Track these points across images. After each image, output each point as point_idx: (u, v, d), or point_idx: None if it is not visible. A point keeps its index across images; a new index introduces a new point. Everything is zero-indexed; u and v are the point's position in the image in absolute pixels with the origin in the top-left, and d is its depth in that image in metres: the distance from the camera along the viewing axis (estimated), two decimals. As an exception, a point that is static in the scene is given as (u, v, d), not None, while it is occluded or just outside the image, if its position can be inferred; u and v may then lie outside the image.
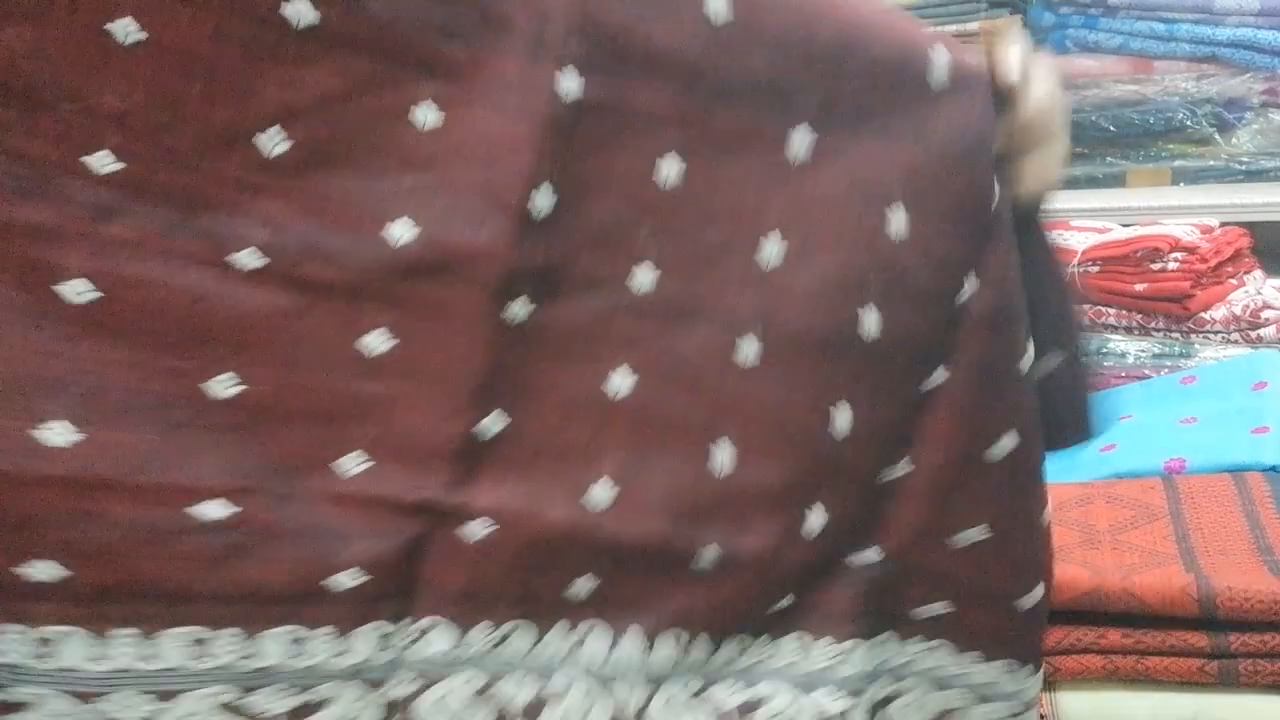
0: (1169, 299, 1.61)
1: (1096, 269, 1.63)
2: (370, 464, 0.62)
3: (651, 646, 0.69)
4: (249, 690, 0.60)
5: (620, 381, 0.66)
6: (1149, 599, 1.00)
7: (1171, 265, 1.60)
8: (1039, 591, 0.75)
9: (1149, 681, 1.01)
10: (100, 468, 0.57)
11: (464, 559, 0.64)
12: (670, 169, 0.64)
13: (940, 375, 0.71)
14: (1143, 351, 1.64)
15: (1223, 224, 1.69)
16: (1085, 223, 1.73)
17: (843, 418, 0.69)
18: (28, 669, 0.57)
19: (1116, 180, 1.90)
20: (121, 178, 0.56)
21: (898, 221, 0.67)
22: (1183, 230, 1.63)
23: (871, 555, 0.73)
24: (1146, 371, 1.61)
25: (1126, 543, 1.14)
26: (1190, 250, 1.61)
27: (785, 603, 0.72)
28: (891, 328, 0.68)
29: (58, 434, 0.56)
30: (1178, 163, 1.79)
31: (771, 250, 0.66)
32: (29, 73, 0.53)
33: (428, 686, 0.65)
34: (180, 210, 0.57)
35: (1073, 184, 1.87)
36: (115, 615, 0.58)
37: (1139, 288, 1.62)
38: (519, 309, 0.63)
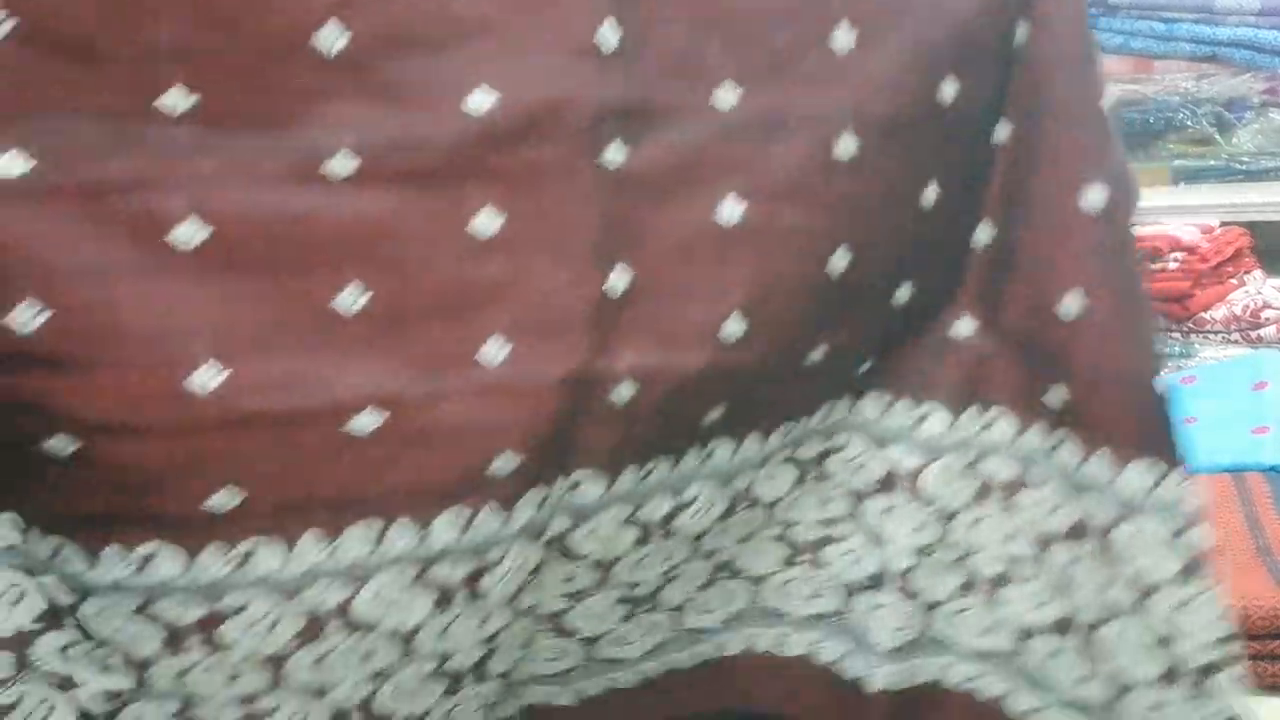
0: (1169, 299, 1.60)
1: (1096, 269, 1.63)
2: (510, 346, 0.61)
3: (767, 440, 0.72)
4: (429, 564, 0.62)
5: (731, 209, 0.64)
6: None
7: (1171, 265, 1.60)
8: (1162, 378, 0.70)
9: (1148, 682, 1.00)
10: (249, 403, 0.57)
11: (612, 421, 0.65)
12: None
13: (1005, 128, 0.70)
14: (1142, 351, 1.63)
15: (1223, 224, 1.68)
16: (1085, 222, 1.72)
17: (930, 190, 0.69)
18: (232, 580, 0.59)
19: (1116, 180, 1.90)
20: (198, 112, 0.54)
21: None
22: (1183, 230, 1.62)
23: (964, 327, 0.73)
24: (1146, 371, 1.61)
25: (1126, 543, 1.13)
26: (1190, 250, 1.60)
27: (866, 366, 0.74)
28: (964, 90, 0.68)
29: (203, 377, 0.55)
30: (1177, 162, 1.79)
31: (844, 40, 0.65)
32: (80, 29, 0.52)
33: (580, 523, 0.67)
34: (262, 131, 0.56)
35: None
36: (296, 523, 0.60)
37: (1139, 287, 1.62)
38: (614, 154, 0.62)
